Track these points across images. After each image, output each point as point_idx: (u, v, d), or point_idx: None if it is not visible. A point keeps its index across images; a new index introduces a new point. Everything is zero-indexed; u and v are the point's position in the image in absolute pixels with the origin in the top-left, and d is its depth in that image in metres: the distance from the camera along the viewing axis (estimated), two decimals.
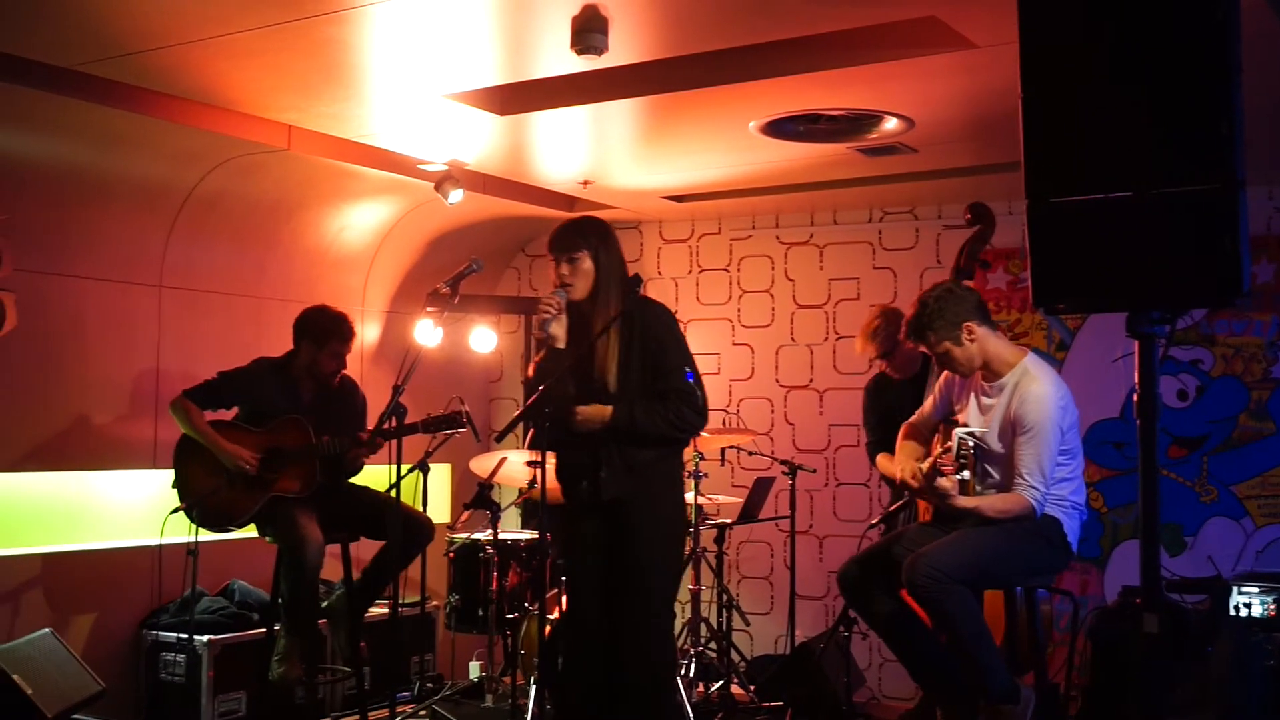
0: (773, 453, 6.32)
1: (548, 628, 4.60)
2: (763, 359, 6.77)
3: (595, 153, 5.46)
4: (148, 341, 5.47)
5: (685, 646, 5.50)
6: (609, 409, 3.66)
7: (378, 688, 5.41)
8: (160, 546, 4.93)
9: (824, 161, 5.44)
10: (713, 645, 5.70)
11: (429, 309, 4.65)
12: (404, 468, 4.36)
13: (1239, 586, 4.82)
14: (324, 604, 5.02)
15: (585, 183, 5.97)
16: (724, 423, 6.67)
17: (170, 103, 4.46)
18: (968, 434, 3.94)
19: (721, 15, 3.66)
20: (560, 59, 3.97)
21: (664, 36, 3.88)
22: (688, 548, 5.28)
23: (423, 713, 5.41)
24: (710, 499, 5.65)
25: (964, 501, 3.91)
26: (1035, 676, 4.08)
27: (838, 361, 6.55)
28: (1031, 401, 3.86)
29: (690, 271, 6.99)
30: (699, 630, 5.56)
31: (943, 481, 3.89)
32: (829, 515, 6.49)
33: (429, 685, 5.78)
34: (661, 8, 3.63)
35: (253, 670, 5.03)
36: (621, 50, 3.87)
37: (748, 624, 6.35)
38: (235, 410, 4.97)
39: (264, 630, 5.00)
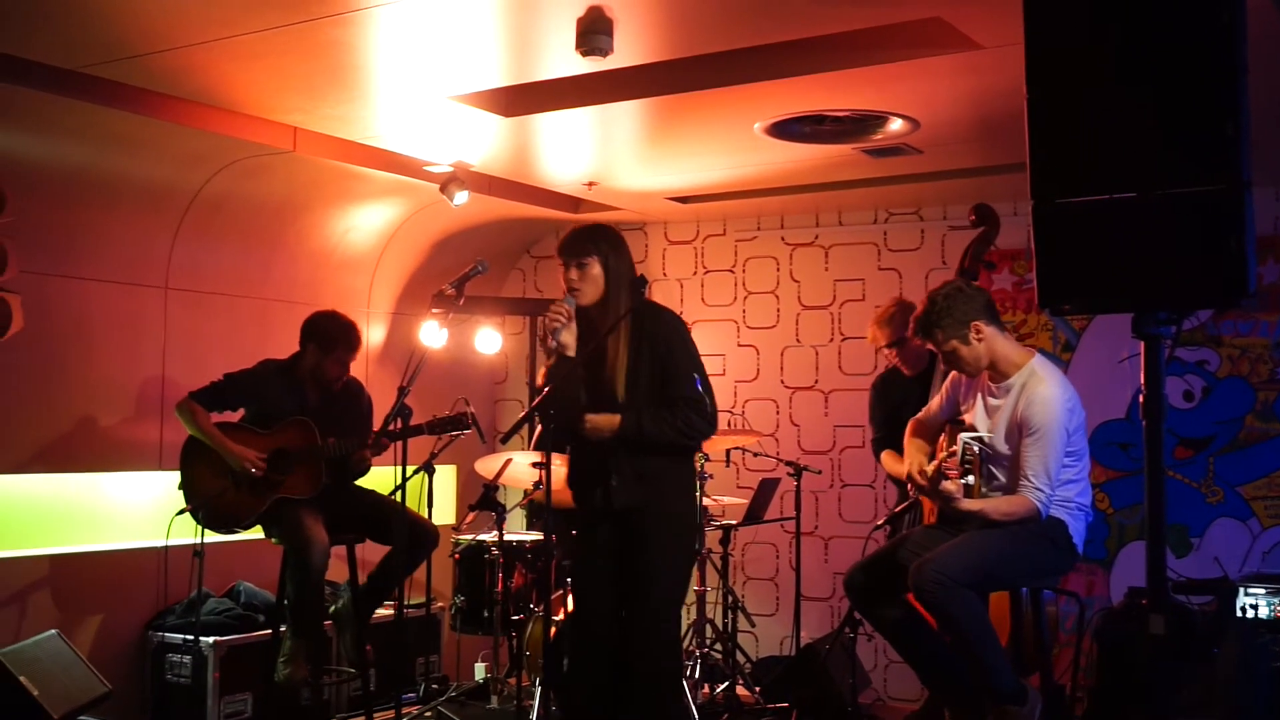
0: (778, 454, 6.32)
1: (553, 629, 4.60)
2: (768, 360, 6.77)
3: (600, 154, 5.46)
4: (153, 343, 5.48)
5: (690, 648, 5.50)
6: (617, 417, 3.66)
7: (383, 689, 5.41)
8: (166, 548, 4.94)
9: (829, 162, 5.44)
10: (718, 646, 5.70)
11: (434, 310, 4.66)
12: (409, 469, 4.36)
13: (1245, 588, 4.81)
14: (331, 609, 5.03)
15: (590, 184, 5.97)
16: (729, 424, 6.66)
17: (176, 105, 4.46)
18: (974, 439, 3.94)
19: (726, 16, 3.66)
20: (565, 61, 3.97)
21: (669, 38, 3.88)
22: None
23: (428, 714, 5.41)
24: (715, 500, 5.65)
25: (969, 504, 3.91)
26: (1041, 678, 4.07)
27: (843, 362, 6.55)
28: (1038, 403, 3.85)
29: (695, 273, 6.99)
30: (704, 631, 5.56)
31: (947, 485, 3.89)
32: (834, 516, 6.49)
33: (434, 686, 5.78)
34: (666, 9, 3.63)
35: (258, 672, 5.04)
36: (626, 52, 3.87)
37: (753, 625, 6.35)
38: (241, 412, 4.98)
39: (269, 632, 5.00)
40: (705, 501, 5.49)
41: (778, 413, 6.71)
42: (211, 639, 5.09)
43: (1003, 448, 3.95)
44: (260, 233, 5.78)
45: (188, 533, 4.79)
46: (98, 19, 3.66)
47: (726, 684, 5.51)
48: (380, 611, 5.34)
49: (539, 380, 3.83)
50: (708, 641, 5.58)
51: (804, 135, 4.95)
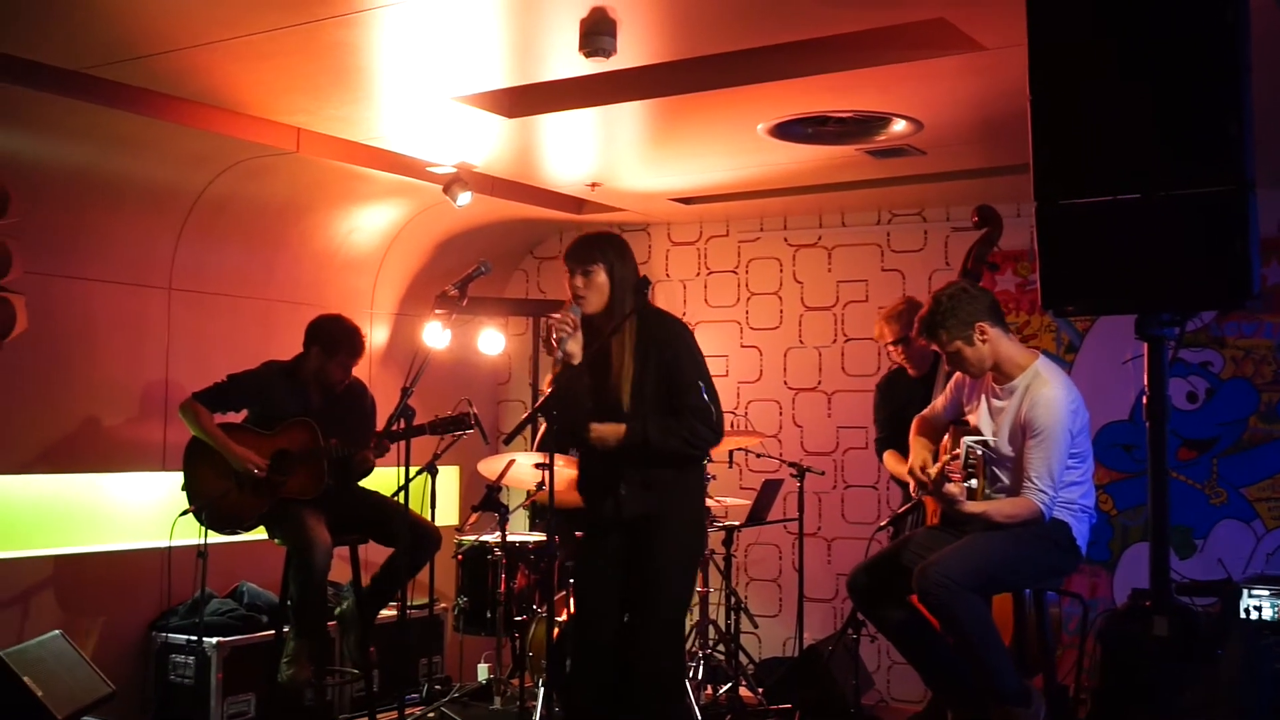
0: (781, 455, 6.32)
1: (556, 630, 4.60)
2: (771, 361, 6.76)
3: (603, 155, 5.46)
4: (157, 344, 5.48)
5: (693, 649, 5.50)
6: (623, 427, 3.65)
7: (386, 690, 5.42)
8: (169, 549, 4.94)
9: (832, 163, 5.43)
10: (721, 647, 5.69)
11: (437, 311, 4.65)
12: (412, 470, 4.36)
13: (1249, 589, 4.80)
14: (336, 610, 5.03)
15: (593, 185, 5.97)
16: (732, 425, 6.65)
17: (179, 105, 4.47)
18: (977, 442, 3.93)
19: (729, 17, 3.65)
20: (568, 62, 3.97)
21: (672, 39, 3.88)
22: None
23: (431, 715, 5.41)
24: (718, 501, 5.64)
25: (972, 507, 3.91)
26: (1044, 679, 4.06)
27: (846, 363, 6.55)
28: (1042, 405, 3.85)
29: (698, 274, 6.99)
30: (707, 632, 5.56)
31: (950, 487, 3.89)
32: (837, 517, 6.49)
33: (437, 687, 5.79)
34: (669, 10, 3.63)
35: (262, 672, 5.04)
36: (630, 53, 3.87)
37: (756, 626, 6.35)
38: (245, 413, 4.99)
39: (273, 632, 5.00)
40: (708, 503, 5.49)
41: (780, 414, 6.71)
42: (215, 640, 5.09)
43: (1006, 450, 3.94)
44: (264, 233, 5.79)
45: (191, 533, 4.80)
46: (102, 20, 3.66)
47: (729, 685, 5.50)
48: (383, 612, 5.35)
49: (544, 386, 3.83)
50: (710, 642, 5.58)
51: (807, 136, 4.95)
